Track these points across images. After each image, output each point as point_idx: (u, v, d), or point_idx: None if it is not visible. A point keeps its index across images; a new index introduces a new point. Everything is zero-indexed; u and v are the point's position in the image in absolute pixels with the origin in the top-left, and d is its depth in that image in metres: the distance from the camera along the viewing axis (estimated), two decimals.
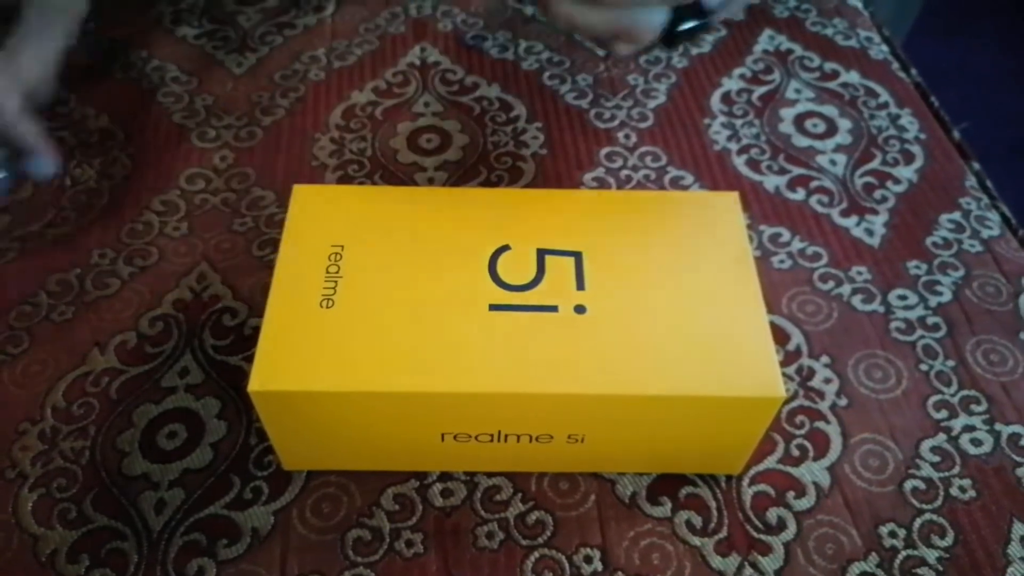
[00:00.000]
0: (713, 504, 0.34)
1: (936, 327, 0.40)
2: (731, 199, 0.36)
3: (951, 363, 0.39)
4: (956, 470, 0.35)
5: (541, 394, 0.30)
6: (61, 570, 0.32)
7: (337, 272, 0.32)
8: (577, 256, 0.33)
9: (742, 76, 0.52)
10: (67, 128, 0.48)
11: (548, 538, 0.33)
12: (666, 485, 0.35)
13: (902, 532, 0.33)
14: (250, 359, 0.38)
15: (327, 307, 0.31)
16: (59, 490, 0.34)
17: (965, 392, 0.38)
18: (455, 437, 0.32)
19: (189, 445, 0.35)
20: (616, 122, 0.49)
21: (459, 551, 0.33)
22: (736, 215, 0.35)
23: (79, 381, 0.37)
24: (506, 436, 0.32)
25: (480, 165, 0.46)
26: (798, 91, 0.51)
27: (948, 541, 0.33)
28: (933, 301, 0.41)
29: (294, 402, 0.30)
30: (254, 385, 0.29)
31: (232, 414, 0.36)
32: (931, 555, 0.33)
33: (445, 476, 0.35)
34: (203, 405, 0.36)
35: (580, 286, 0.32)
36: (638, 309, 0.32)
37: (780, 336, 0.39)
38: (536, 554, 0.33)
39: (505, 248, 0.33)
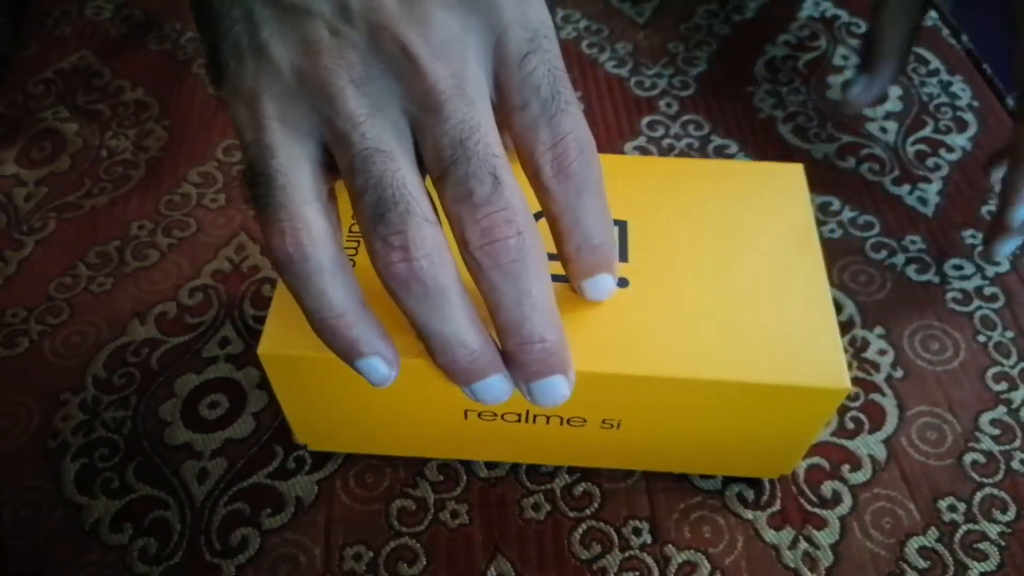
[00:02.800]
0: (765, 478, 0.33)
1: (994, 297, 0.39)
2: (795, 171, 0.33)
3: (1010, 334, 0.37)
4: (1017, 443, 0.34)
5: (584, 373, 0.27)
6: (105, 539, 0.32)
7: None
8: (621, 225, 0.31)
9: (786, 43, 0.51)
10: (103, 100, 0.48)
11: (596, 510, 0.32)
12: None
13: (962, 506, 0.32)
14: None
15: None
16: (101, 460, 0.34)
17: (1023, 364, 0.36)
18: (479, 415, 0.30)
19: (231, 415, 0.35)
20: (657, 90, 0.48)
21: (505, 522, 0.32)
22: (801, 189, 0.32)
23: (119, 351, 0.37)
24: (535, 417, 0.30)
25: None
26: (845, 57, 0.50)
27: (1010, 515, 0.32)
28: (990, 271, 0.40)
29: (306, 368, 0.28)
30: (264, 348, 0.27)
31: None
32: (992, 530, 0.32)
33: None
34: (244, 375, 0.36)
35: (623, 257, 0.30)
36: (686, 285, 0.29)
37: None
38: (584, 526, 0.32)
39: (540, 216, 0.27)
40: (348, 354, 0.24)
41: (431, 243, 0.22)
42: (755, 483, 0.33)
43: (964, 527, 0.32)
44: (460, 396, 0.26)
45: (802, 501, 0.33)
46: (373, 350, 0.24)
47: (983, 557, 0.31)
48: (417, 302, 0.23)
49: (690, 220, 0.31)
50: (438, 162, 0.23)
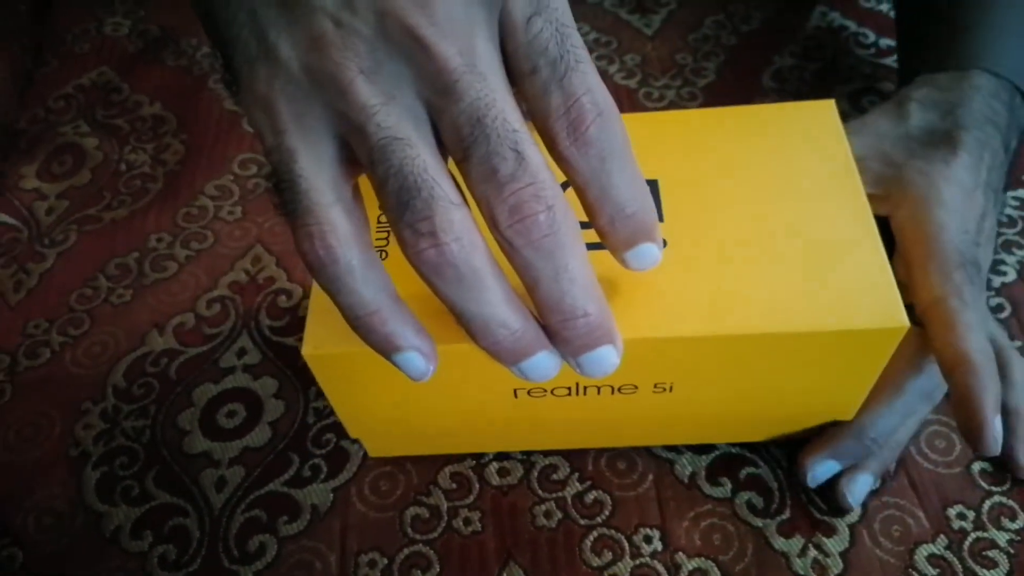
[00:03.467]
0: (775, 485, 0.34)
1: (1000, 308, 0.39)
2: (827, 107, 0.31)
3: (1017, 344, 0.38)
4: None
5: (631, 339, 0.25)
6: (125, 546, 0.33)
7: None
8: (652, 184, 0.30)
9: (794, 53, 0.51)
10: (121, 115, 0.49)
11: (607, 518, 0.33)
12: (725, 466, 0.34)
13: (971, 514, 0.33)
14: None
15: (382, 259, 0.28)
16: (122, 468, 0.35)
17: None
18: (529, 392, 0.29)
19: (248, 424, 0.36)
20: (666, 101, 0.49)
21: (517, 529, 0.33)
22: (835, 125, 0.31)
23: (139, 362, 0.38)
24: (585, 388, 0.29)
25: None
26: (852, 68, 0.50)
27: (1020, 523, 0.32)
28: (997, 281, 0.40)
29: (351, 364, 0.28)
30: (308, 349, 0.27)
31: (289, 393, 0.36)
32: (1002, 537, 0.32)
33: (501, 455, 0.35)
34: (261, 385, 0.37)
35: (658, 218, 0.27)
36: (727, 237, 0.28)
37: None
38: (595, 533, 0.32)
39: (567, 185, 0.26)
40: (385, 349, 0.24)
41: (459, 226, 0.22)
42: (765, 491, 0.33)
43: (973, 535, 0.32)
44: (508, 377, 0.25)
45: (812, 509, 0.33)
46: (409, 344, 0.24)
47: (992, 565, 0.31)
48: (452, 287, 0.22)
49: (723, 170, 0.30)
50: (458, 143, 0.22)
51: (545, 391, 0.30)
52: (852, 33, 0.52)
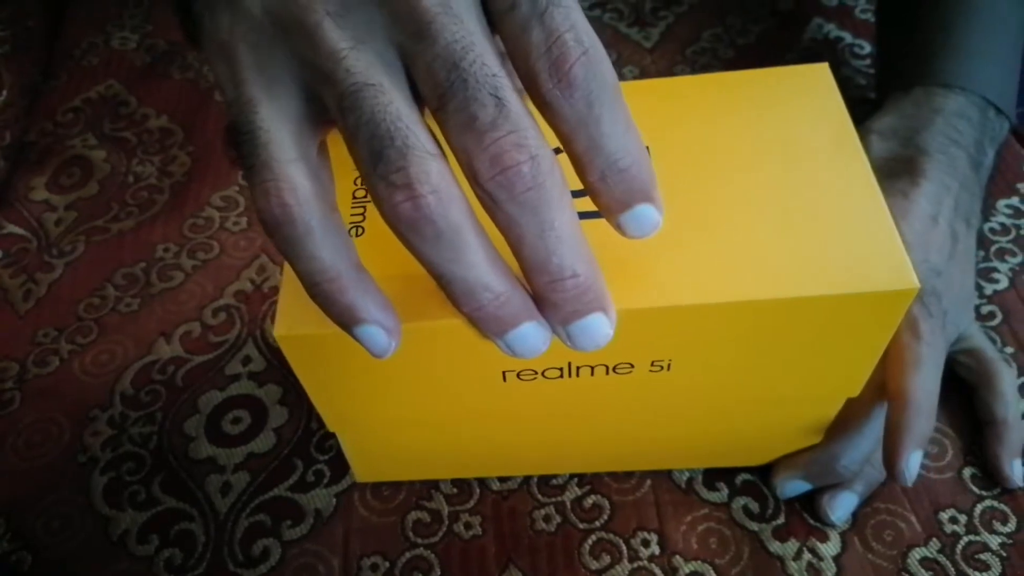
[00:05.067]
0: (769, 491, 0.34)
1: (992, 315, 0.39)
2: (822, 71, 0.30)
3: (1009, 350, 0.38)
4: None
5: (625, 311, 0.24)
6: (132, 550, 0.33)
7: (366, 196, 0.27)
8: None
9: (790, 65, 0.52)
10: (129, 128, 0.50)
11: (605, 522, 0.33)
12: (722, 471, 0.35)
13: (963, 518, 0.33)
14: None
15: (357, 235, 0.26)
16: (128, 473, 0.35)
17: None
18: (519, 375, 0.27)
19: (253, 430, 0.36)
20: None
21: (517, 534, 0.33)
22: (830, 88, 0.30)
23: (146, 369, 0.39)
24: (577, 369, 0.27)
25: None
26: (848, 79, 0.51)
27: (1011, 527, 0.33)
28: (989, 289, 0.40)
29: (327, 346, 0.26)
30: (280, 329, 0.25)
31: (293, 400, 0.37)
32: (993, 541, 0.32)
33: None
34: (265, 392, 0.37)
35: None
36: (726, 203, 0.26)
37: None
38: (593, 537, 0.33)
39: (556, 150, 0.23)
40: (345, 321, 0.22)
41: (437, 177, 0.20)
42: (760, 496, 0.34)
43: (965, 538, 0.33)
44: (496, 357, 0.24)
45: (805, 515, 0.33)
46: (371, 317, 0.21)
47: (984, 567, 0.32)
48: (430, 245, 0.20)
49: (718, 136, 0.29)
50: (434, 89, 0.20)
51: (536, 373, 0.27)
52: (847, 45, 0.53)
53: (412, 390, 0.29)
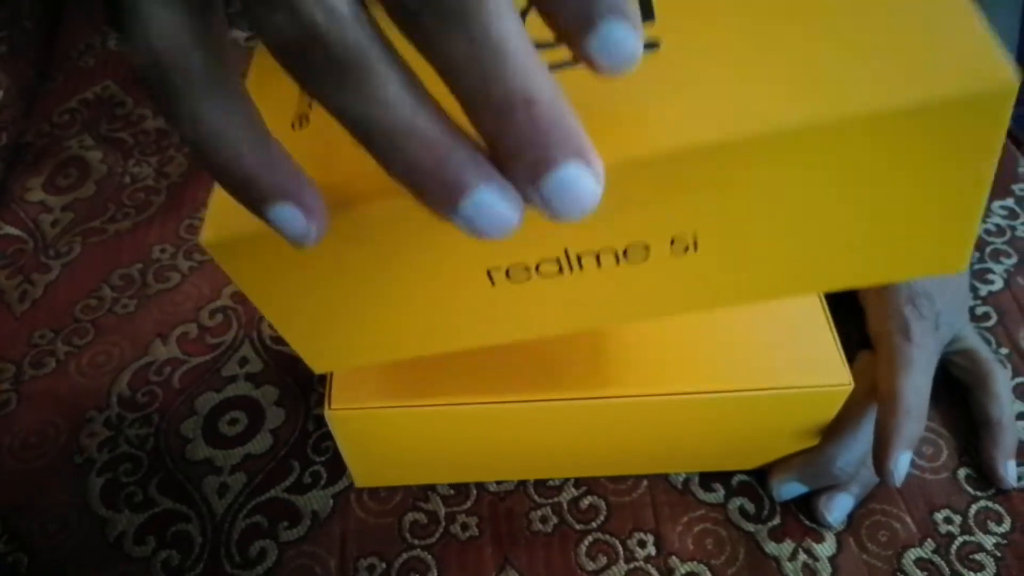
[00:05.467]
0: (765, 492, 0.34)
1: (987, 316, 0.40)
2: None
3: (1004, 351, 0.38)
4: None
5: (626, 161, 0.18)
6: (128, 551, 0.33)
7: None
8: None
9: None
10: (125, 128, 0.50)
11: (602, 523, 0.33)
12: (718, 472, 0.35)
13: (958, 519, 0.33)
14: None
15: (300, 128, 0.22)
16: (125, 475, 0.35)
17: (1019, 379, 0.37)
18: (508, 274, 0.22)
19: (249, 431, 0.36)
20: None
21: (513, 534, 0.33)
22: None
23: (142, 371, 0.39)
24: (579, 259, 0.21)
25: None
26: None
27: (1005, 527, 0.33)
28: (984, 290, 0.41)
29: (267, 250, 0.21)
30: (208, 235, 0.20)
31: (290, 402, 0.37)
32: (988, 541, 0.33)
33: None
34: (262, 393, 0.37)
35: (648, 14, 0.21)
36: (732, 37, 0.19)
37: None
38: (590, 538, 0.33)
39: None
40: (250, 199, 0.17)
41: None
42: (756, 497, 0.34)
43: (960, 538, 0.33)
44: (474, 247, 0.20)
45: (801, 516, 0.33)
46: (280, 192, 0.17)
47: (979, 567, 0.32)
48: (327, 78, 0.15)
49: None
50: None
51: (529, 270, 0.22)
52: None
53: (379, 293, 0.23)
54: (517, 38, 0.15)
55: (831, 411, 0.31)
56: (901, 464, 0.30)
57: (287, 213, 0.17)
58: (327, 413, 0.30)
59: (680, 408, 0.29)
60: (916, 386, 0.31)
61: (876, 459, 0.31)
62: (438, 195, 0.16)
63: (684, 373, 0.29)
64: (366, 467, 0.34)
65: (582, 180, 0.16)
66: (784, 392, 0.29)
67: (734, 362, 0.29)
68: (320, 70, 0.15)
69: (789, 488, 0.33)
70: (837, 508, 0.33)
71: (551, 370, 0.30)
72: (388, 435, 0.32)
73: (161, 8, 0.16)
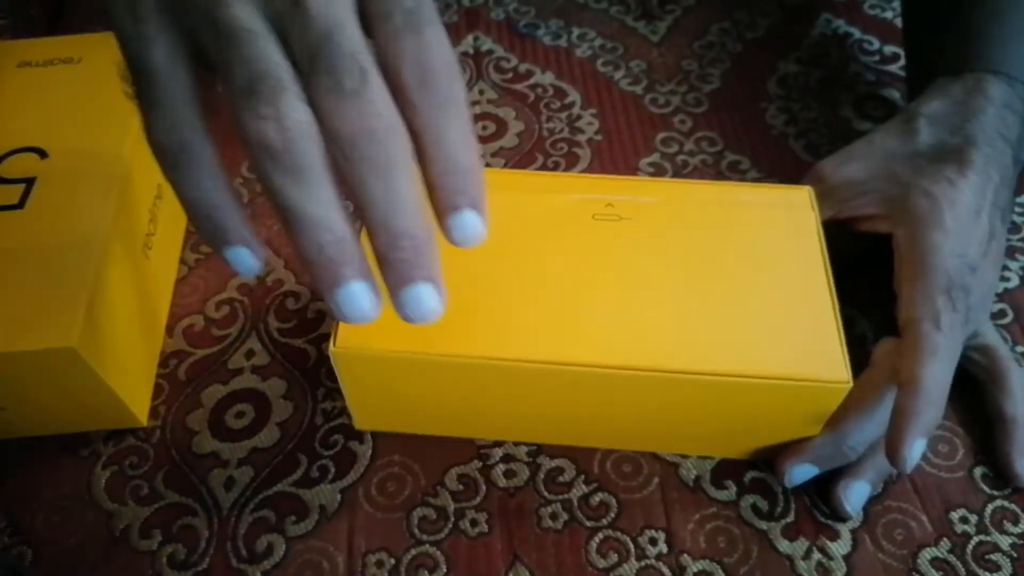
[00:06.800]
0: (779, 488, 0.34)
1: (1003, 313, 0.39)
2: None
3: (1020, 349, 0.38)
4: None
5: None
6: (134, 545, 0.33)
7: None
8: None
9: (799, 60, 0.52)
10: None
11: (612, 520, 0.33)
12: (730, 469, 0.34)
13: (974, 518, 0.33)
14: (313, 342, 0.38)
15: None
16: (131, 468, 0.35)
17: None
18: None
19: (256, 424, 0.36)
20: (671, 107, 0.49)
21: (523, 531, 0.33)
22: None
23: None
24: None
25: (536, 152, 0.47)
26: (857, 75, 0.51)
27: (1022, 527, 0.32)
28: (1000, 287, 0.40)
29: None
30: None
31: (298, 395, 0.37)
32: (1004, 541, 0.32)
33: (508, 457, 0.35)
34: (269, 386, 0.37)
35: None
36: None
37: (845, 322, 0.39)
38: (600, 535, 0.33)
39: None
40: (215, 241, 0.25)
41: (303, 115, 0.22)
42: (769, 494, 0.34)
43: (976, 538, 0.32)
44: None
45: (815, 512, 0.33)
46: (238, 239, 0.24)
47: (995, 568, 0.32)
48: (284, 175, 0.22)
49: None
50: (305, 51, 0.22)
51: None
52: (857, 40, 0.53)
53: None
54: (416, 196, 0.23)
55: (828, 406, 0.31)
56: (915, 450, 0.30)
57: (241, 254, 0.25)
58: (331, 350, 0.30)
59: (675, 386, 0.30)
60: (939, 376, 0.31)
61: (891, 443, 0.31)
62: (324, 278, 0.23)
63: (683, 353, 0.30)
64: (366, 410, 0.34)
65: (429, 299, 0.24)
66: (780, 383, 0.29)
67: (733, 348, 0.30)
68: (284, 168, 0.22)
69: (801, 471, 0.33)
70: (855, 495, 0.33)
71: (554, 335, 0.30)
72: (388, 380, 0.32)
73: (188, 110, 0.24)
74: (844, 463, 0.33)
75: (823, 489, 0.33)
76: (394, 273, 0.23)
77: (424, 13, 0.24)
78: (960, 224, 0.34)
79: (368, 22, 0.24)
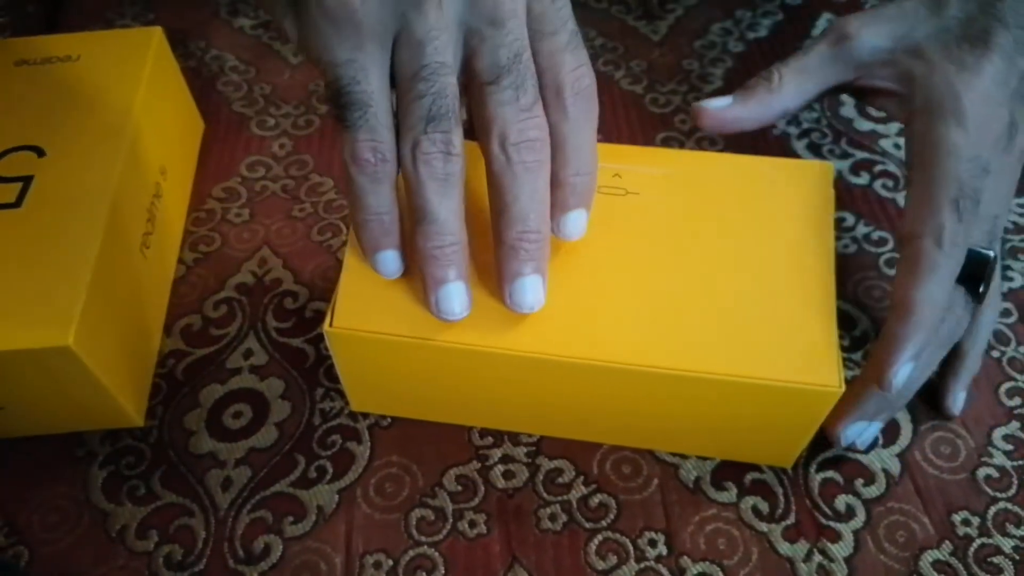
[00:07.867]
0: (779, 490, 0.34)
1: (1007, 313, 0.39)
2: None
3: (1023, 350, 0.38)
4: None
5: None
6: (131, 545, 0.33)
7: None
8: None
9: None
10: None
11: (611, 521, 0.33)
12: (730, 471, 0.34)
13: (976, 520, 0.33)
14: (311, 341, 0.38)
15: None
16: (128, 468, 0.35)
17: None
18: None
19: (254, 425, 0.36)
20: (672, 107, 0.49)
21: (522, 532, 0.33)
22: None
23: None
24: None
25: None
26: None
27: None
28: (1004, 287, 0.40)
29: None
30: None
31: (296, 395, 0.37)
32: (1007, 544, 0.32)
33: (507, 458, 0.35)
34: (267, 386, 0.37)
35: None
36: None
37: (846, 322, 0.39)
38: (600, 537, 0.32)
39: None
40: (373, 246, 0.29)
41: (461, 147, 0.28)
42: (770, 495, 0.33)
43: (978, 541, 0.32)
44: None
45: (816, 515, 0.33)
46: (392, 244, 0.29)
47: (998, 571, 0.31)
48: (436, 188, 0.27)
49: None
50: (494, 67, 0.27)
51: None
52: None
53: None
54: (548, 198, 0.29)
55: (818, 411, 0.30)
56: (901, 374, 0.30)
57: (390, 257, 0.30)
58: (326, 330, 0.30)
59: (662, 383, 0.30)
60: (933, 297, 0.30)
61: (877, 365, 0.30)
62: (434, 273, 0.28)
63: (673, 349, 0.29)
64: (361, 391, 0.34)
65: (536, 290, 0.29)
66: (769, 384, 0.29)
67: (725, 346, 0.29)
68: (438, 182, 0.28)
69: (855, 428, 0.33)
70: (960, 399, 0.35)
71: (550, 327, 0.30)
72: (382, 363, 0.32)
73: (388, 134, 0.28)
74: (900, 405, 0.34)
75: (823, 492, 0.33)
76: (517, 262, 0.28)
77: (580, 37, 0.29)
78: (977, 117, 0.31)
79: (534, 35, 0.28)
